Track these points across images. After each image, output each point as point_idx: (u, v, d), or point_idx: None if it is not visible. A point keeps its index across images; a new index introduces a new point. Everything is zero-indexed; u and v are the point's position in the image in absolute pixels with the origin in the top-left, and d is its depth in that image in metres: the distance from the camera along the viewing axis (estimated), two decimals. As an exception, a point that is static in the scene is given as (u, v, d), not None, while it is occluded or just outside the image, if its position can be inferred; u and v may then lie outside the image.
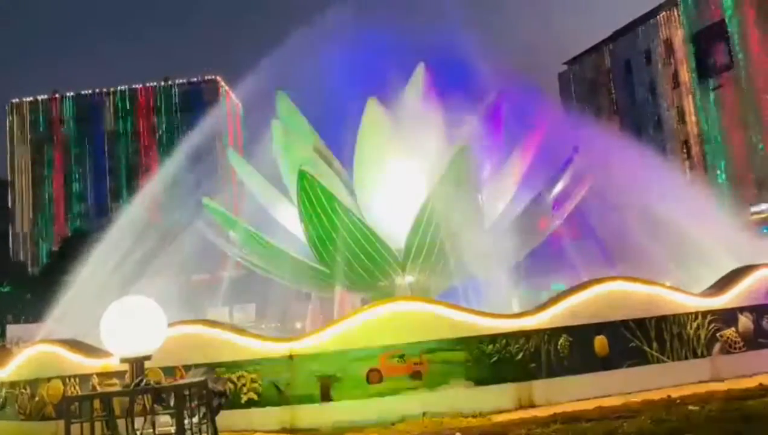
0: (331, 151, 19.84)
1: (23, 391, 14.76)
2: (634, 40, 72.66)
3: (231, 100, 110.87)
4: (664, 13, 68.59)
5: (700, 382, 12.90)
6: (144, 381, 7.72)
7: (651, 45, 70.32)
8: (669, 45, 68.09)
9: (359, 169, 18.24)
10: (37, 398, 14.34)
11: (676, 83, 67.31)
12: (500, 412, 11.94)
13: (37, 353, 14.91)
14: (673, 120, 67.65)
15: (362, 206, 18.21)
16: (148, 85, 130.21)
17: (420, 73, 19.05)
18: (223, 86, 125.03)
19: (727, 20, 54.37)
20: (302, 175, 16.73)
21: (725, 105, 55.16)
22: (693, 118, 63.71)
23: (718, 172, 55.81)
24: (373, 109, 17.41)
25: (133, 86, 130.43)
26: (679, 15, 63.74)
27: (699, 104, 59.12)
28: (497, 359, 12.78)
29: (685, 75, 64.52)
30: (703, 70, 57.57)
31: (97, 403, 7.98)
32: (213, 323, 13.85)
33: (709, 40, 56.60)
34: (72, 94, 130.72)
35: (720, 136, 56.03)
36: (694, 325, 13.85)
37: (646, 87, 71.20)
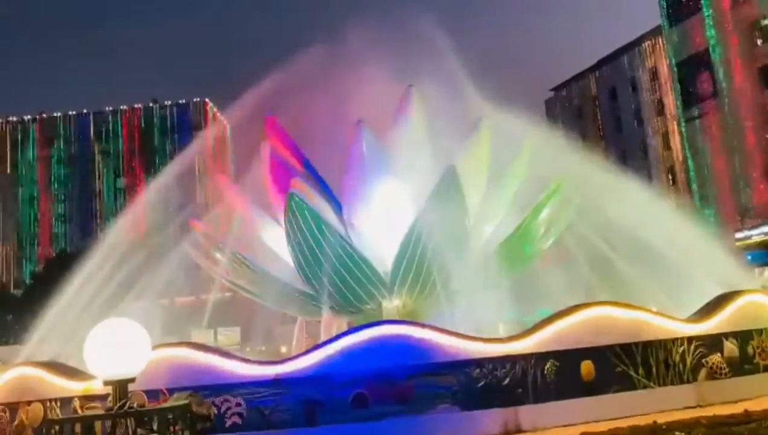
0: (320, 174, 19.86)
1: (2, 414, 14.51)
2: (619, 67, 73.56)
3: (219, 122, 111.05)
4: (648, 41, 69.58)
5: (686, 407, 12.91)
6: (127, 404, 7.62)
7: (636, 73, 71.22)
8: (654, 73, 69.02)
9: (347, 192, 18.25)
10: (16, 422, 14.09)
11: (660, 110, 68.11)
12: (487, 437, 11.89)
13: (16, 376, 14.66)
14: (659, 147, 68.36)
15: (350, 229, 18.18)
16: (135, 106, 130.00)
17: (409, 96, 19.15)
18: (212, 108, 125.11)
19: (710, 49, 55.18)
20: (290, 197, 16.72)
21: (709, 132, 55.77)
22: (678, 145, 64.41)
23: (703, 198, 56.31)
24: (361, 132, 17.46)
25: (121, 107, 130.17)
26: (663, 43, 64.65)
27: (684, 131, 59.75)
28: (484, 384, 12.73)
29: (670, 102, 65.30)
30: (688, 98, 58.26)
31: (78, 427, 7.86)
32: (197, 346, 13.72)
33: (693, 69, 57.35)
34: (58, 114, 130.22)
35: (704, 163, 56.60)
36: (680, 350, 13.89)
37: (632, 114, 71.98)
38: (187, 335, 20.73)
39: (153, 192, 23.33)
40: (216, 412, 12.35)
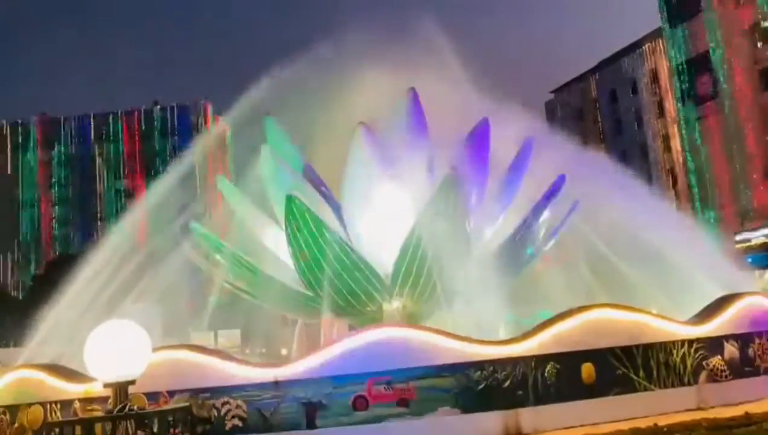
0: (320, 176, 19.84)
1: (2, 416, 14.50)
2: (619, 69, 73.52)
3: (219, 124, 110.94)
4: (649, 43, 69.58)
5: (687, 410, 12.90)
6: (127, 406, 7.62)
7: (636, 75, 71.19)
8: (654, 75, 68.96)
9: (347, 195, 18.23)
10: (16, 424, 14.09)
11: (661, 112, 68.07)
12: (487, 440, 11.87)
13: (17, 378, 14.66)
14: (659, 149, 68.30)
15: (350, 231, 18.18)
16: (136, 108, 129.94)
17: (408, 99, 19.12)
18: (212, 111, 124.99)
19: (711, 51, 55.19)
20: (290, 200, 16.69)
21: (710, 134, 55.76)
22: (678, 147, 64.37)
23: (703, 200, 56.28)
24: (361, 135, 17.45)
25: (121, 109, 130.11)
26: (663, 46, 64.65)
27: (684, 133, 59.77)
28: (484, 386, 12.73)
29: (670, 104, 65.26)
30: (688, 99, 58.28)
31: (78, 430, 7.85)
32: (198, 348, 13.72)
33: (693, 71, 57.36)
34: (59, 116, 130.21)
35: (705, 164, 56.59)
36: (681, 353, 13.88)
37: (632, 116, 71.93)
38: (187, 337, 20.71)
39: (154, 194, 23.32)
40: (216, 414, 12.35)
